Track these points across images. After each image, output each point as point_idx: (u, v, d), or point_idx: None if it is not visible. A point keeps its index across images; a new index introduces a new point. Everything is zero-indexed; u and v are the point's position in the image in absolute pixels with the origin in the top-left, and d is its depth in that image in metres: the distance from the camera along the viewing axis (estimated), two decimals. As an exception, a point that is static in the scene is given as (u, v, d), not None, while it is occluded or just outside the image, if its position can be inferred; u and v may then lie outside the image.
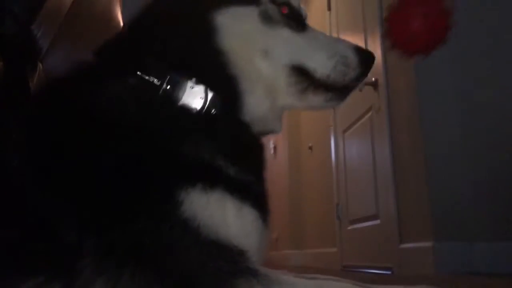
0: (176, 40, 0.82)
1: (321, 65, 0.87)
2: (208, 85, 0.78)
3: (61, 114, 0.74)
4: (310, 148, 5.10)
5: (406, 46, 0.88)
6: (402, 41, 0.87)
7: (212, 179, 0.70)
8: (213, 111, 0.78)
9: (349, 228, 3.86)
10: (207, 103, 0.77)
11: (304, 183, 5.31)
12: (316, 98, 0.90)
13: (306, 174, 5.29)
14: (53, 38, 1.66)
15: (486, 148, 2.48)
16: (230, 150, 0.76)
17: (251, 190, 0.76)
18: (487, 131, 2.50)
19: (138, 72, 0.77)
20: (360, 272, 3.24)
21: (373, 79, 3.18)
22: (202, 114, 0.77)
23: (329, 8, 4.42)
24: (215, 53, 0.81)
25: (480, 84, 2.57)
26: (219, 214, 0.68)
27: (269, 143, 5.86)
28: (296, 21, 0.90)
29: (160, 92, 0.76)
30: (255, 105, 0.83)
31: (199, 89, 0.78)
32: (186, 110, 0.77)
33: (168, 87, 0.76)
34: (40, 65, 1.63)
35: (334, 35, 3.93)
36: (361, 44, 3.22)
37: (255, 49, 0.85)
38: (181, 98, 0.76)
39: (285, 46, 0.87)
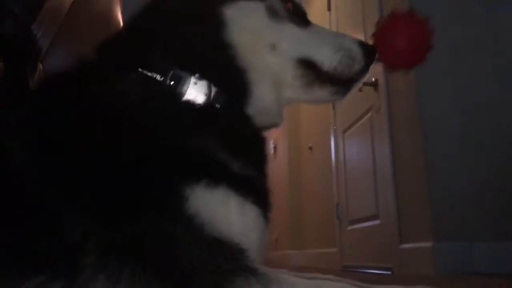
0: (180, 35, 0.82)
1: (328, 58, 0.90)
2: (212, 80, 0.79)
3: (63, 111, 0.73)
4: (310, 148, 5.10)
5: (391, 62, 0.93)
6: (388, 57, 0.91)
7: (216, 175, 0.70)
8: (216, 105, 0.78)
9: (349, 228, 3.86)
10: (211, 98, 0.78)
11: (304, 183, 5.31)
12: (321, 92, 0.92)
13: (306, 174, 5.29)
14: (53, 38, 1.66)
15: (486, 148, 2.48)
16: (234, 144, 0.76)
17: (254, 186, 0.76)
18: (487, 131, 2.50)
19: (139, 69, 0.77)
20: (360, 272, 3.24)
21: (373, 79, 3.18)
22: (205, 109, 0.77)
23: (329, 8, 4.42)
24: (223, 46, 0.82)
25: (480, 84, 2.57)
26: (223, 211, 0.68)
27: (269, 143, 5.86)
28: (300, 17, 0.93)
29: (163, 88, 0.76)
30: (262, 97, 0.84)
31: (203, 84, 0.78)
32: (190, 105, 0.77)
33: (172, 83, 0.76)
34: (40, 65, 1.63)
35: (334, 35, 3.92)
36: (361, 44, 3.21)
37: (263, 42, 0.86)
38: (185, 93, 0.77)
39: (292, 40, 0.89)
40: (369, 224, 3.39)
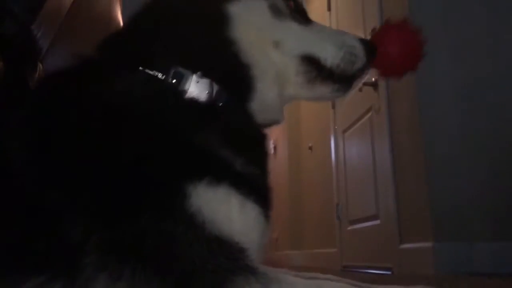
0: (182, 33, 0.82)
1: (331, 54, 0.91)
2: (214, 78, 0.79)
3: (64, 110, 0.73)
4: (310, 148, 5.10)
5: (384, 70, 0.96)
6: (380, 65, 0.95)
7: (218, 172, 0.70)
8: (219, 103, 0.78)
9: (349, 228, 3.86)
10: (213, 96, 0.78)
11: (304, 183, 5.31)
12: (323, 88, 0.93)
13: (306, 174, 5.29)
14: (53, 38, 1.66)
15: (486, 148, 2.48)
16: (236, 142, 0.76)
17: (256, 183, 0.76)
18: (487, 131, 2.50)
19: (140, 67, 0.77)
20: (360, 272, 3.24)
21: (373, 79, 3.18)
22: (208, 107, 0.77)
23: (329, 9, 4.42)
24: (227, 43, 0.82)
25: (480, 84, 2.57)
26: (224, 209, 0.68)
27: (270, 142, 5.87)
28: (301, 15, 0.94)
29: (165, 86, 0.76)
30: (265, 92, 0.85)
31: (205, 82, 0.78)
32: (192, 103, 0.77)
33: (174, 81, 0.76)
34: (40, 65, 1.63)
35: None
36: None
37: (267, 39, 0.87)
38: (187, 91, 0.77)
39: (295, 37, 0.91)
40: (369, 224, 3.39)
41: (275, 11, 0.90)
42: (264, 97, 0.85)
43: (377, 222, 3.23)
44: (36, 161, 0.69)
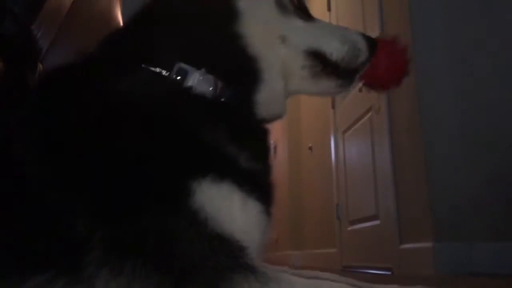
0: (187, 28, 0.83)
1: (336, 49, 0.93)
2: (218, 74, 0.79)
3: (67, 107, 0.73)
4: (310, 148, 5.10)
5: (371, 85, 1.03)
6: (368, 80, 1.02)
7: (223, 169, 0.70)
8: (223, 99, 0.79)
9: (349, 228, 3.86)
10: (217, 91, 0.79)
11: (304, 184, 5.32)
12: (327, 83, 0.95)
13: (306, 175, 5.29)
14: (53, 38, 1.67)
15: (486, 148, 2.48)
16: (240, 137, 0.77)
17: (258, 179, 0.77)
18: (487, 131, 2.50)
19: (144, 64, 0.77)
20: (360, 272, 3.24)
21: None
22: (212, 102, 0.78)
23: (329, 9, 4.43)
24: (235, 37, 0.83)
25: (480, 84, 2.57)
26: (226, 207, 0.68)
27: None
28: (304, 12, 0.96)
29: (170, 83, 0.76)
30: (272, 84, 0.86)
31: (209, 78, 0.78)
32: (197, 99, 0.77)
33: (178, 78, 0.77)
34: (40, 65, 1.63)
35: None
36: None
37: (274, 34, 0.89)
38: (191, 88, 0.77)
39: (301, 32, 0.93)
40: (369, 224, 3.39)
41: (281, 7, 0.92)
42: (271, 88, 0.86)
43: (377, 222, 3.23)
44: (40, 160, 0.69)
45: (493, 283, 1.82)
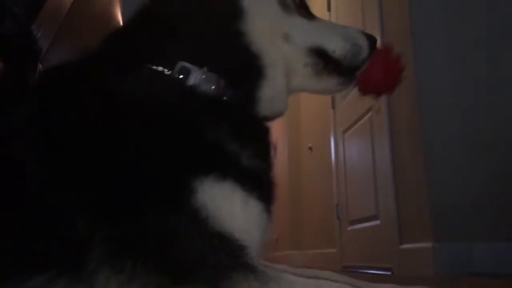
0: (190, 27, 0.83)
1: (339, 46, 0.95)
2: (222, 71, 0.80)
3: (70, 107, 0.73)
4: (310, 148, 5.10)
5: (365, 92, 1.07)
6: (363, 86, 1.05)
7: (225, 167, 0.71)
8: (225, 97, 0.79)
9: (349, 228, 3.86)
10: (220, 90, 0.79)
11: (304, 184, 5.32)
12: (329, 81, 0.97)
13: (306, 175, 5.29)
14: (53, 38, 1.67)
15: (486, 148, 2.48)
16: (243, 135, 0.77)
17: (260, 177, 0.77)
18: (487, 131, 2.50)
19: (146, 63, 0.77)
20: (360, 272, 3.24)
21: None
22: (215, 100, 0.78)
23: (329, 9, 4.43)
24: (239, 35, 0.83)
25: (480, 84, 2.57)
26: (227, 206, 0.68)
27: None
28: (306, 10, 0.98)
29: (173, 82, 0.77)
30: (276, 80, 0.87)
31: (211, 76, 0.79)
32: (200, 98, 0.77)
33: (181, 76, 0.77)
34: (40, 65, 1.63)
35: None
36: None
37: (277, 32, 0.90)
38: (194, 86, 0.77)
39: (304, 30, 0.94)
40: (369, 225, 3.39)
41: (284, 5, 0.93)
42: (274, 84, 0.86)
43: (377, 222, 3.23)
44: (41, 160, 0.69)
45: (493, 283, 1.82)
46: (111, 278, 0.61)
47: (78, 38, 1.75)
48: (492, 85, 2.55)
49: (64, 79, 0.79)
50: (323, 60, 0.94)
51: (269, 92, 0.85)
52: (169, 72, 0.77)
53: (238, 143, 0.75)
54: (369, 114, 3.39)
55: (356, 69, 0.99)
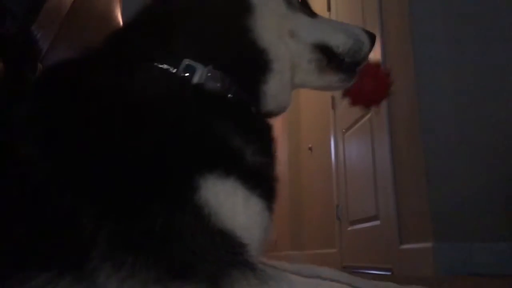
0: (195, 26, 0.83)
1: (342, 42, 0.98)
2: (227, 68, 0.81)
3: (74, 103, 0.73)
4: (310, 149, 5.10)
5: (355, 103, 1.14)
6: (353, 99, 1.11)
7: (228, 164, 0.71)
8: (230, 94, 0.80)
9: (349, 229, 3.86)
10: (225, 87, 0.80)
11: (304, 184, 5.31)
12: (331, 77, 0.99)
13: (306, 175, 5.29)
14: (53, 39, 1.66)
15: (486, 148, 2.48)
16: (247, 131, 0.78)
17: (263, 174, 0.78)
18: (487, 131, 2.50)
19: (150, 61, 0.78)
20: (360, 272, 3.24)
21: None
22: (220, 98, 0.79)
23: (329, 8, 4.43)
24: (247, 30, 0.85)
25: (480, 84, 2.57)
26: (229, 203, 0.69)
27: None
28: (308, 9, 1.01)
29: (178, 80, 0.77)
30: (280, 77, 0.88)
31: (216, 74, 0.80)
32: (205, 95, 0.78)
33: (186, 74, 0.78)
34: (40, 65, 1.63)
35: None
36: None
37: (284, 28, 0.92)
38: (199, 84, 0.78)
39: (308, 27, 0.96)
40: (369, 225, 3.39)
41: (289, 3, 0.95)
42: (280, 78, 0.88)
43: (377, 222, 3.23)
44: (45, 158, 0.68)
45: (493, 283, 1.82)
46: (112, 275, 0.61)
47: (78, 38, 1.75)
48: (492, 85, 2.55)
49: (68, 76, 0.79)
50: (326, 56, 0.96)
51: (275, 86, 0.86)
52: (174, 70, 0.77)
53: (242, 140, 0.76)
54: (369, 115, 3.39)
55: (358, 65, 1.01)
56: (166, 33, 0.82)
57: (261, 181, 0.75)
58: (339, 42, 0.97)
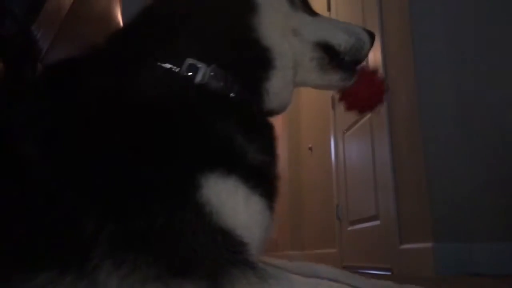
0: (199, 25, 0.84)
1: (344, 40, 0.99)
2: (230, 66, 0.81)
3: (77, 100, 0.73)
4: (310, 148, 5.10)
5: (349, 108, 1.17)
6: (348, 105, 1.15)
7: (230, 163, 0.71)
8: (233, 94, 0.81)
9: (349, 229, 3.86)
10: (227, 86, 0.80)
11: (304, 184, 5.31)
12: (332, 76, 1.00)
13: (306, 175, 5.29)
14: (53, 39, 1.66)
15: (486, 148, 2.48)
16: (249, 130, 0.78)
17: (265, 172, 0.79)
18: (487, 131, 2.50)
19: (153, 60, 0.78)
20: (360, 273, 3.23)
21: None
22: (223, 97, 0.79)
23: (329, 9, 4.43)
24: (251, 28, 0.86)
25: (480, 84, 2.57)
26: (230, 202, 0.69)
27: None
28: (309, 8, 1.02)
29: (181, 79, 0.77)
30: (283, 74, 0.88)
31: (219, 73, 0.80)
32: (208, 95, 0.78)
33: (189, 74, 0.78)
34: (40, 65, 1.63)
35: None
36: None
37: (287, 27, 0.93)
38: (202, 84, 0.78)
39: (311, 25, 0.98)
40: (369, 225, 3.39)
41: (291, 2, 0.97)
42: (283, 75, 0.88)
43: (377, 222, 3.22)
44: (47, 158, 0.69)
45: (493, 284, 1.82)
46: (112, 272, 0.61)
47: (78, 39, 1.75)
48: (492, 85, 2.55)
49: (70, 75, 0.79)
50: (328, 55, 0.97)
51: (278, 83, 0.87)
52: (177, 70, 0.78)
53: (244, 139, 0.76)
54: (369, 115, 3.39)
55: (358, 63, 1.03)
56: (168, 32, 0.83)
57: (262, 180, 0.76)
58: (341, 40, 0.98)
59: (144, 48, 0.81)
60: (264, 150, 0.80)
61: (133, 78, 0.76)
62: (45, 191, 0.67)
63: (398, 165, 2.91)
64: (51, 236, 0.64)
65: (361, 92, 1.10)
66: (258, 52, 0.85)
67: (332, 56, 0.98)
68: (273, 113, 0.91)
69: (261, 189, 0.74)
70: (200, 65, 0.78)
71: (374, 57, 3.14)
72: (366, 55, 1.04)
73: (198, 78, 0.78)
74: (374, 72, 1.14)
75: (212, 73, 0.79)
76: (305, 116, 5.40)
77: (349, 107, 1.15)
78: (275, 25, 0.89)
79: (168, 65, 0.78)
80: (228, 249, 0.64)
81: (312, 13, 1.01)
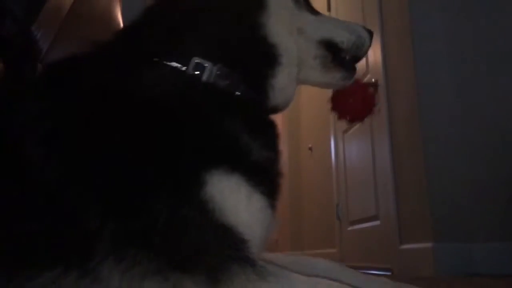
0: (206, 22, 0.85)
1: (346, 38, 1.02)
2: (236, 64, 0.82)
3: (83, 98, 0.74)
4: (310, 149, 5.10)
5: (341, 117, 1.23)
6: (340, 114, 1.21)
7: (233, 161, 0.72)
8: (238, 92, 0.82)
9: (349, 229, 3.86)
10: (233, 85, 0.81)
11: (304, 184, 5.31)
12: (334, 74, 1.02)
13: (306, 175, 5.29)
14: (53, 39, 1.66)
15: (486, 148, 2.48)
16: (253, 128, 0.79)
17: (268, 169, 0.79)
18: (487, 131, 2.50)
19: (160, 59, 0.78)
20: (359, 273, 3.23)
21: (373, 79, 3.18)
22: (228, 95, 0.80)
23: (329, 9, 4.43)
24: (259, 26, 0.87)
25: (480, 84, 2.57)
26: (233, 199, 0.70)
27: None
28: (311, 8, 1.04)
29: (187, 78, 0.78)
30: (288, 71, 0.90)
31: (225, 72, 0.81)
32: (215, 93, 0.79)
33: (196, 72, 0.78)
34: (40, 66, 1.63)
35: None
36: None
37: (293, 26, 0.96)
38: (208, 82, 0.79)
39: (314, 24, 1.00)
40: (369, 225, 3.39)
41: (296, 1, 0.99)
42: (288, 71, 0.90)
43: (377, 222, 3.23)
44: (51, 156, 0.69)
45: (493, 284, 1.82)
46: (114, 267, 0.62)
47: (78, 39, 1.75)
48: (492, 85, 2.55)
49: (76, 74, 0.79)
50: (331, 53, 1.00)
51: (284, 80, 0.88)
52: (184, 68, 0.78)
53: (249, 137, 0.77)
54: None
55: (357, 61, 1.06)
56: (174, 31, 0.83)
57: (265, 178, 0.76)
58: (343, 37, 1.01)
59: (149, 47, 0.81)
60: (268, 147, 0.81)
61: (137, 77, 0.76)
62: (47, 190, 0.67)
63: (398, 165, 2.91)
64: (53, 235, 0.65)
65: (351, 105, 1.16)
66: (265, 48, 0.87)
67: (334, 54, 1.00)
68: (277, 109, 0.93)
69: (263, 187, 0.75)
70: (206, 64, 0.79)
71: (374, 56, 3.14)
72: (366, 52, 1.07)
73: (205, 77, 0.79)
74: (366, 85, 1.20)
75: (218, 72, 0.80)
76: (305, 116, 5.40)
77: (340, 117, 1.22)
78: (282, 23, 0.91)
79: (174, 64, 0.78)
80: (228, 246, 0.65)
81: (314, 12, 1.03)
